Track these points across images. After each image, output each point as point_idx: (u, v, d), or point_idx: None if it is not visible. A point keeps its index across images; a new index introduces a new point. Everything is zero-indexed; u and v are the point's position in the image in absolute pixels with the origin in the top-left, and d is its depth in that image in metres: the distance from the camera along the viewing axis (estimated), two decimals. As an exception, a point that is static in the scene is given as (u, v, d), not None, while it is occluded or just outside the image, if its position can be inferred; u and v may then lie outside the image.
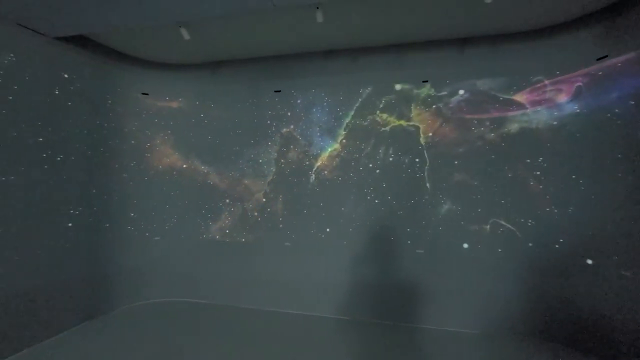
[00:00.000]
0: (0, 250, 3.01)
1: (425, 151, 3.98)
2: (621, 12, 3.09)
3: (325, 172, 4.27)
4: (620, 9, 3.09)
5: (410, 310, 3.90)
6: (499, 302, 3.66)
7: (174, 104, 4.70)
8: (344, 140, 4.23)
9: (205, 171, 4.68)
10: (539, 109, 3.65)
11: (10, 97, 3.11)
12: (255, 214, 4.50)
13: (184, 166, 4.71)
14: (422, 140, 4.00)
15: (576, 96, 3.46)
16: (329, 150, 4.27)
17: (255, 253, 4.45)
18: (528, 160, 3.67)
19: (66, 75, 3.65)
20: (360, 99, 4.19)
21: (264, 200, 4.47)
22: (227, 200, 4.59)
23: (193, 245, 4.66)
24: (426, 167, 3.96)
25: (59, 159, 3.56)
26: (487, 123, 3.82)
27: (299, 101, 4.37)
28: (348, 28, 3.65)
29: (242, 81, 4.57)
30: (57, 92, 3.55)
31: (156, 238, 4.58)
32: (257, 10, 3.05)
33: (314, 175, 4.31)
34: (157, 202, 4.62)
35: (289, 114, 4.39)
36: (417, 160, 4.00)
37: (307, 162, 4.34)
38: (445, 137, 3.94)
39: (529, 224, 3.64)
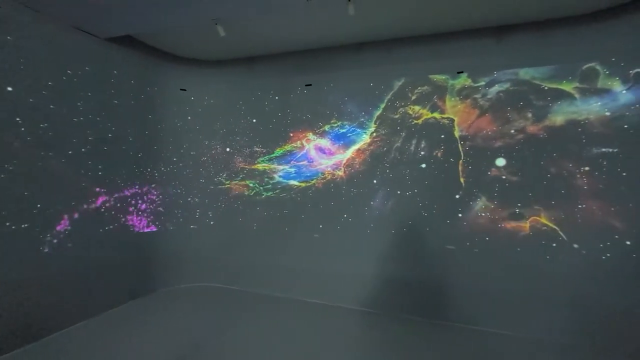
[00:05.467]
0: (52, 233, 3.37)
1: (459, 145, 3.83)
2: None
3: (355, 165, 4.26)
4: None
5: (439, 306, 3.82)
6: (536, 303, 3.46)
7: (212, 99, 4.92)
8: (374, 134, 4.19)
9: (240, 164, 4.87)
10: (589, 98, 3.37)
11: (66, 94, 3.44)
12: (287, 205, 4.61)
13: (219, 157, 4.93)
14: (456, 134, 3.85)
15: (634, 85, 3.14)
16: (358, 144, 4.25)
17: (285, 244, 4.57)
18: (574, 155, 3.41)
19: (115, 72, 3.96)
20: (392, 92, 4.11)
21: (295, 191, 4.56)
22: (261, 190, 4.74)
23: (227, 235, 4.89)
24: (460, 162, 3.82)
25: (108, 148, 3.89)
26: (530, 115, 3.59)
27: (329, 94, 4.38)
28: (380, 20, 3.59)
29: (275, 76, 4.67)
30: (107, 89, 3.86)
31: (192, 226, 4.86)
32: (291, 6, 3.10)
33: (342, 169, 4.32)
34: (193, 192, 4.89)
35: (319, 107, 4.42)
36: (450, 154, 3.86)
37: (336, 155, 4.35)
38: (482, 130, 3.77)
39: (575, 223, 3.39)
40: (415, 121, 4.01)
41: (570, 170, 3.43)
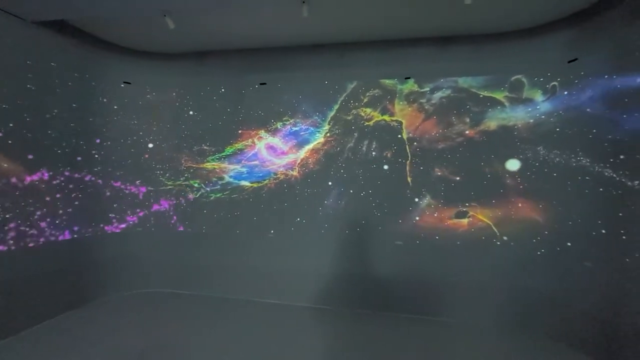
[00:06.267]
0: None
1: (407, 146, 4.04)
2: (591, 17, 3.21)
3: (309, 165, 4.29)
4: (590, 14, 3.22)
5: (389, 299, 3.97)
6: (473, 293, 3.76)
7: (157, 93, 4.58)
8: (327, 134, 4.25)
9: (185, 163, 4.61)
10: (516, 106, 3.75)
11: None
12: (238, 206, 4.47)
13: (163, 156, 4.60)
14: (404, 136, 4.06)
15: (551, 95, 3.57)
16: (312, 144, 4.28)
17: (237, 246, 4.41)
18: (507, 157, 3.77)
19: (44, 61, 3.51)
20: (345, 93, 4.21)
21: (247, 192, 4.45)
22: (207, 191, 4.55)
23: (175, 237, 4.58)
24: (408, 162, 4.03)
25: (37, 147, 3.38)
26: (467, 120, 3.91)
27: (283, 93, 4.36)
28: (334, 23, 3.65)
29: (227, 73, 4.50)
30: (33, 77, 3.40)
31: (138, 229, 4.52)
32: (243, 2, 3.05)
33: (296, 169, 4.32)
34: (137, 192, 4.52)
35: (273, 106, 4.38)
36: (399, 154, 4.06)
37: (289, 155, 4.35)
38: (427, 133, 4.01)
39: (506, 219, 3.75)
40: (367, 123, 4.15)
41: (503, 170, 3.79)
